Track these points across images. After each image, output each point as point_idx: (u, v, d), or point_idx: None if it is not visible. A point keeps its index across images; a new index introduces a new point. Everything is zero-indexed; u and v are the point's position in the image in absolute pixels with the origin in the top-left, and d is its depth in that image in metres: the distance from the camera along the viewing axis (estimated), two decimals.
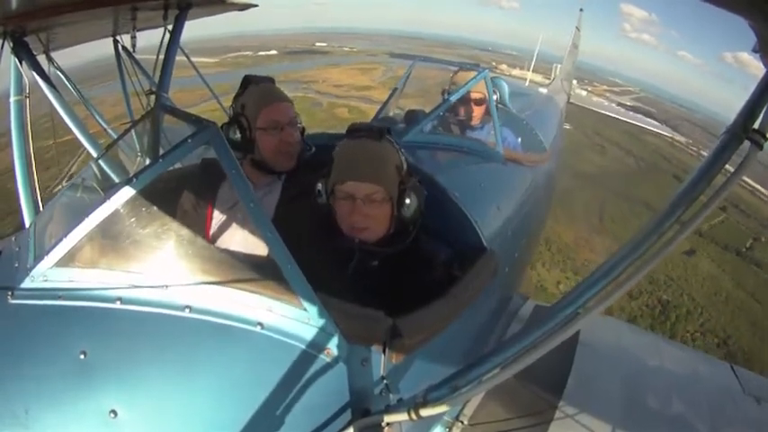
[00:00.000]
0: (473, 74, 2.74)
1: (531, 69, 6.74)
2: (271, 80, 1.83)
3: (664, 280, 19.77)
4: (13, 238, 1.41)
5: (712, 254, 23.16)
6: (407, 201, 1.46)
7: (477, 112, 2.85)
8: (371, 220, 1.46)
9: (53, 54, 2.52)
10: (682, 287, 20.00)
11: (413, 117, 2.81)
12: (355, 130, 1.54)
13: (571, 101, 7.90)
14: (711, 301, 20.06)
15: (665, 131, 10.60)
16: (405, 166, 1.50)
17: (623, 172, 29.80)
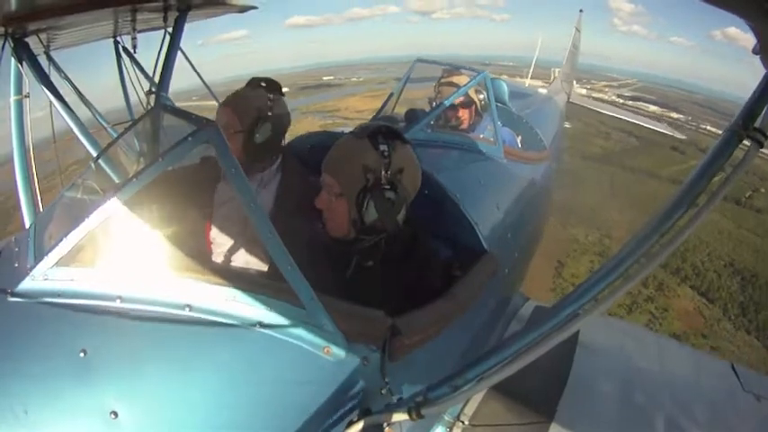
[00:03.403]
0: (464, 76, 2.75)
1: (529, 76, 6.68)
2: (257, 84, 1.86)
3: None
4: (13, 239, 1.41)
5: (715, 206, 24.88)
6: (364, 205, 1.39)
7: (464, 114, 2.83)
8: (329, 212, 1.46)
9: (53, 54, 2.52)
10: None
11: (413, 116, 2.81)
12: (356, 127, 1.54)
13: (573, 101, 7.91)
14: (715, 238, 22.59)
15: (662, 128, 10.64)
16: (383, 171, 1.39)
17: (627, 150, 32.54)
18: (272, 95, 1.83)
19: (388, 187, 1.40)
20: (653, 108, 48.85)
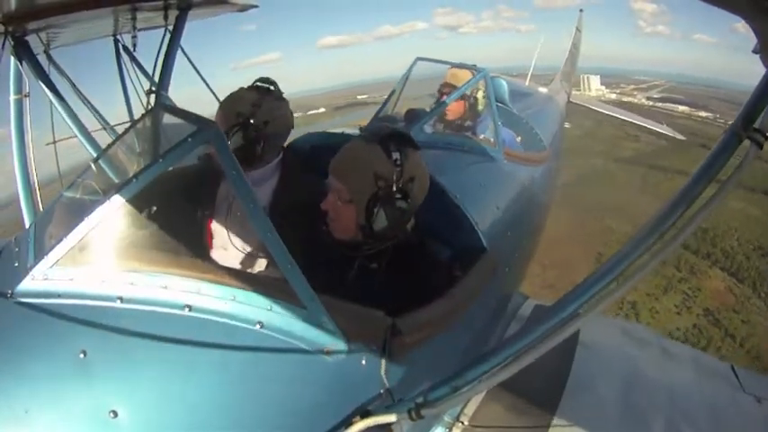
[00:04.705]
0: (466, 73, 2.75)
1: (528, 81, 6.62)
2: (253, 87, 1.85)
3: None
4: (14, 239, 1.41)
5: (742, 196, 25.22)
6: (374, 213, 1.36)
7: (454, 107, 2.82)
8: (336, 216, 1.43)
9: (53, 53, 2.51)
10: (716, 219, 22.90)
11: (413, 116, 2.81)
12: (363, 130, 1.53)
13: (573, 100, 7.89)
14: (743, 224, 23.78)
15: (662, 129, 10.78)
16: (394, 178, 1.36)
17: (656, 151, 33.69)
18: (261, 100, 1.80)
19: (399, 196, 1.37)
20: (682, 108, 48.78)
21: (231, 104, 1.81)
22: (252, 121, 1.76)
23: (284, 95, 1.91)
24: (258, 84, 1.88)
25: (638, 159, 33.35)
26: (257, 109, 1.78)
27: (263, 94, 1.82)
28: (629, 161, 32.98)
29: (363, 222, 1.38)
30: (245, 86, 1.89)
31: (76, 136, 2.41)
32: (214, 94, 3.34)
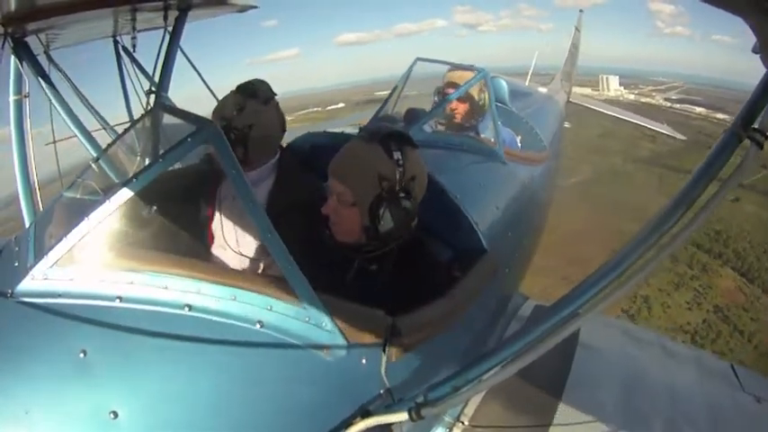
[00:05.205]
0: (468, 73, 2.75)
1: (528, 81, 6.56)
2: (236, 90, 1.82)
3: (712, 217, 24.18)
4: (13, 238, 1.41)
5: (755, 199, 25.64)
6: (379, 214, 1.34)
7: (458, 107, 2.82)
8: (339, 219, 1.41)
9: (53, 54, 2.52)
10: (729, 221, 23.59)
11: (413, 116, 2.81)
12: (362, 130, 1.52)
13: (573, 100, 7.90)
14: (756, 227, 24.17)
15: (663, 129, 10.87)
16: (397, 178, 1.35)
17: (673, 151, 34.20)
18: (245, 103, 1.77)
19: (403, 195, 1.37)
20: (699, 110, 48.16)
21: (218, 109, 1.80)
22: (234, 125, 1.75)
23: (276, 97, 1.88)
24: (243, 87, 1.84)
25: (654, 160, 34.07)
26: (240, 113, 1.76)
27: (247, 98, 1.80)
28: (646, 161, 33.75)
29: (368, 224, 1.37)
30: (233, 90, 1.86)
31: (76, 136, 2.41)
32: (213, 93, 3.34)
